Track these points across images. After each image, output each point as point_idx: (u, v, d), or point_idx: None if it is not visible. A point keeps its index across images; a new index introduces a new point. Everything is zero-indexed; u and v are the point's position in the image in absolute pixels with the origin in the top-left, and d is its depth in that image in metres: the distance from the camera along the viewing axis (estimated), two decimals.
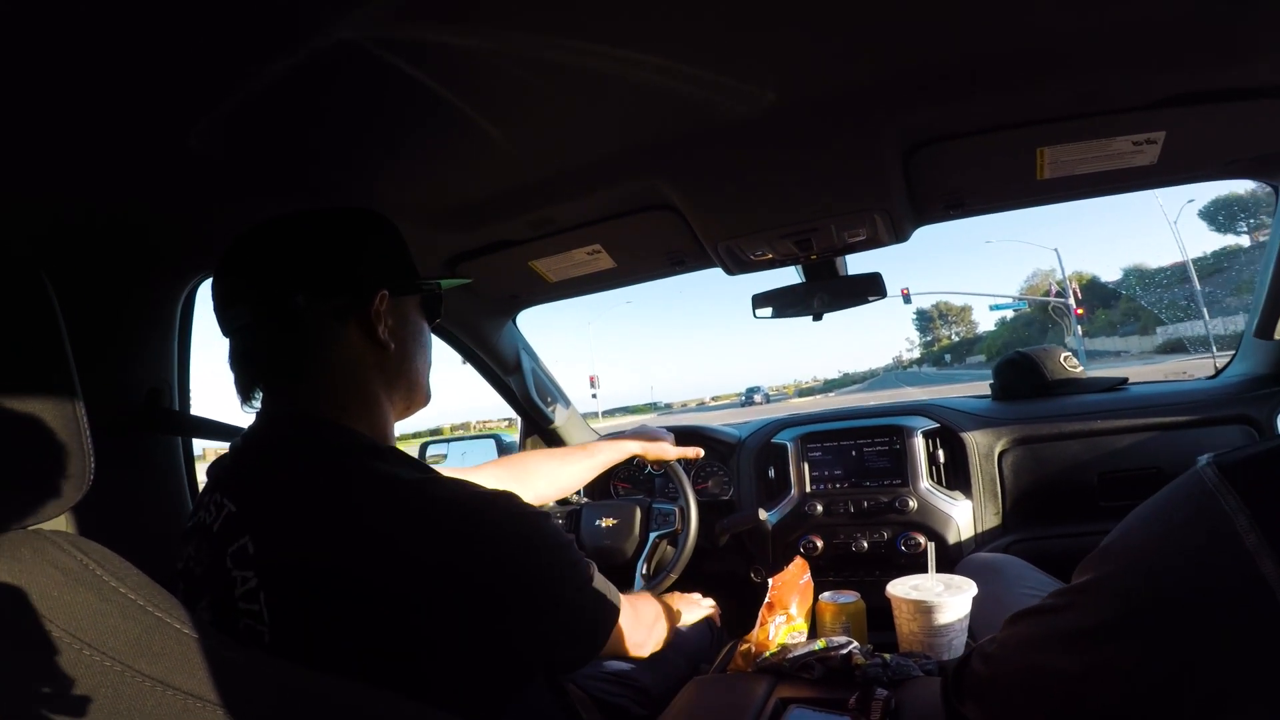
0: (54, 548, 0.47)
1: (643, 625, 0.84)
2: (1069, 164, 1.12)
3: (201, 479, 1.14)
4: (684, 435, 1.65)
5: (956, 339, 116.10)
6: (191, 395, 1.11)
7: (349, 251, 0.70)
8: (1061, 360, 1.70)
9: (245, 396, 0.69)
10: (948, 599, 1.04)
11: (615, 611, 0.69)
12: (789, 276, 1.47)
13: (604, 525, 1.54)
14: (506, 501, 0.62)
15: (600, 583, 0.69)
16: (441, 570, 0.56)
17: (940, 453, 1.56)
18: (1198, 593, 0.43)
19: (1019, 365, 1.72)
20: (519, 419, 1.96)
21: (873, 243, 1.29)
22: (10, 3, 0.51)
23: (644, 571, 1.46)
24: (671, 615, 0.97)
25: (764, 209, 1.19)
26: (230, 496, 0.62)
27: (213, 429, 1.08)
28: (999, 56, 0.81)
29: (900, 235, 1.28)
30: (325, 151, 0.88)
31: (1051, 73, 0.86)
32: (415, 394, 0.76)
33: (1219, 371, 1.66)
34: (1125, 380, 1.68)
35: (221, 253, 1.03)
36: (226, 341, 0.71)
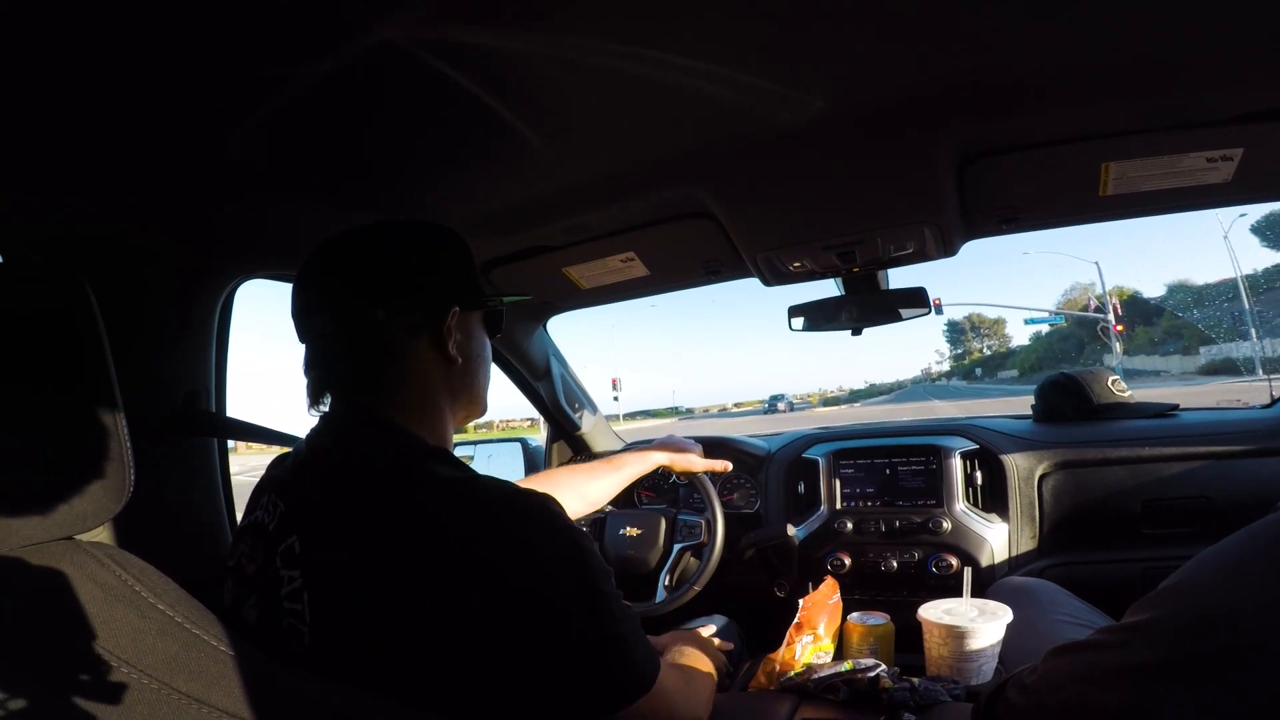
0: (94, 562, 0.48)
1: (701, 700, 0.80)
2: (1135, 180, 1.07)
3: (236, 481, 1.16)
4: (711, 446, 1.63)
5: (989, 352, 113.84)
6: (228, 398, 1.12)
7: (426, 268, 0.72)
8: (1109, 384, 1.64)
9: (314, 400, 0.71)
10: (982, 625, 1.02)
11: (656, 662, 0.65)
12: (828, 287, 1.44)
13: (628, 535, 1.52)
14: (554, 511, 0.61)
15: (646, 639, 0.66)
16: (483, 567, 0.55)
17: (978, 474, 1.51)
18: (1268, 641, 0.42)
19: (1064, 387, 1.66)
20: (543, 419, 1.95)
21: (919, 257, 1.26)
22: (48, 11, 0.52)
23: (666, 583, 1.44)
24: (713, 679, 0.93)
25: (808, 220, 1.16)
26: (284, 497, 0.63)
27: (251, 431, 1.08)
28: (1069, 68, 0.78)
29: (949, 249, 1.24)
30: (362, 155, 0.88)
31: (1125, 86, 0.82)
32: (475, 406, 0.78)
33: (1276, 400, 1.59)
34: (1176, 406, 1.61)
35: (258, 255, 1.04)
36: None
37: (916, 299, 1.34)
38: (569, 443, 1.97)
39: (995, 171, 1.05)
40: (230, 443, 1.18)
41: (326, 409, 0.70)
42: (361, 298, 0.68)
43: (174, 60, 0.62)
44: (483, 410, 0.79)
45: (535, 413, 1.93)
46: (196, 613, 0.49)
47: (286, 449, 0.75)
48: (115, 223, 0.91)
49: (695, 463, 1.34)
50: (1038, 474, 1.47)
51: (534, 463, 1.97)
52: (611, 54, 0.68)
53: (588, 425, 1.92)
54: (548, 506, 0.61)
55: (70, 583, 0.46)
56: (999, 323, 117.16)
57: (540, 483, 1.18)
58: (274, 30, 0.60)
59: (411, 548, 0.55)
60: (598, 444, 1.97)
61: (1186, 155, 1.01)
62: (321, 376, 0.70)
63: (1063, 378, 1.69)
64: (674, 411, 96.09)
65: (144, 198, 0.87)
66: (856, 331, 1.40)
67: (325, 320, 0.69)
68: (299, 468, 0.67)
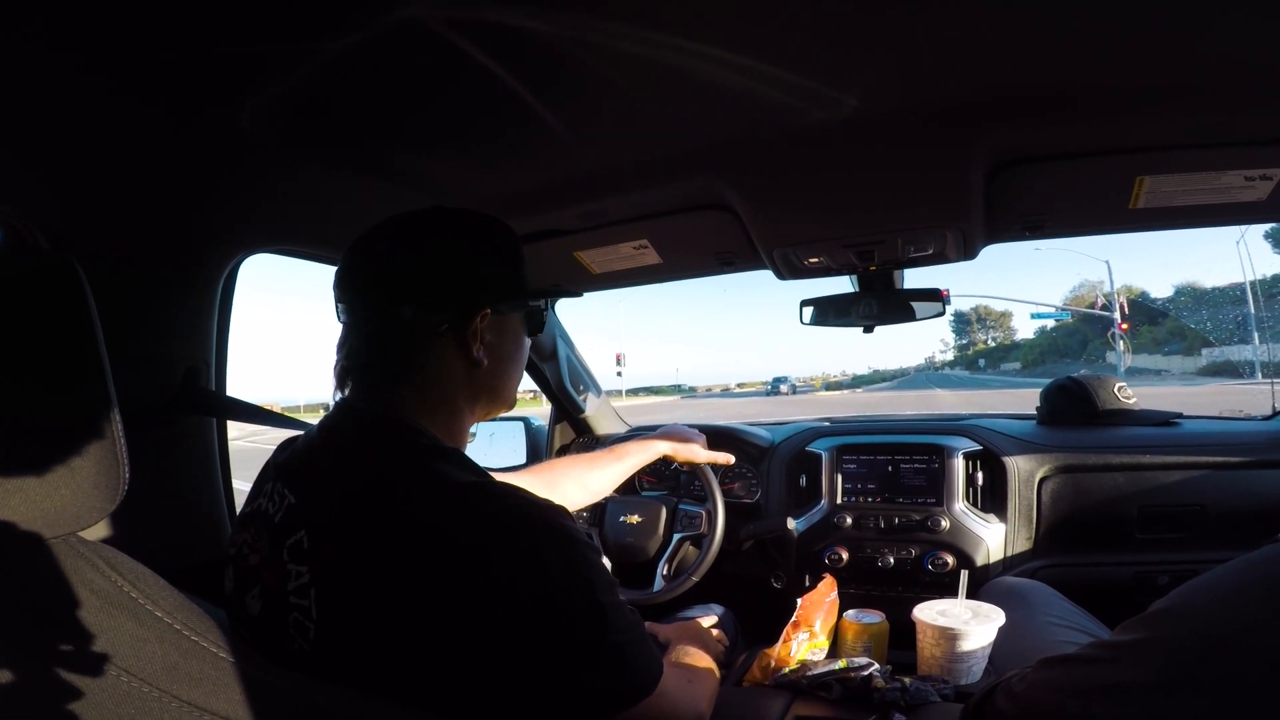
0: (89, 566, 0.47)
1: (703, 698, 0.81)
2: (1168, 194, 1.06)
3: (234, 446, 1.15)
4: (715, 437, 1.62)
5: (993, 344, 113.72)
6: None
7: (463, 267, 0.70)
8: (1115, 390, 1.64)
9: (340, 384, 0.70)
10: (974, 627, 1.04)
11: (659, 665, 0.66)
12: (841, 282, 1.43)
13: (628, 522, 1.53)
14: (564, 524, 0.60)
15: (649, 642, 0.66)
16: (494, 580, 0.55)
17: (979, 474, 1.52)
18: (1262, 665, 0.44)
19: (1070, 392, 1.66)
20: (543, 393, 1.94)
21: (938, 259, 1.25)
22: None
23: (665, 572, 1.46)
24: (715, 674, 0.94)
25: (829, 218, 1.16)
26: (292, 488, 0.62)
27: (253, 413, 1.07)
28: (1116, 81, 0.76)
29: (969, 253, 1.24)
30: (381, 131, 0.87)
31: (1170, 102, 0.81)
32: (497, 405, 0.77)
33: (1277, 412, 1.61)
34: (1179, 415, 1.63)
35: (266, 230, 1.02)
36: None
37: (931, 298, 1.33)
38: (572, 424, 1.97)
39: (1025, 179, 1.04)
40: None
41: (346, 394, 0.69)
42: (391, 292, 0.67)
43: (190, 35, 0.60)
44: (508, 407, 0.78)
45: (535, 385, 1.92)
46: (194, 618, 0.48)
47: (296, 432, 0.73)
48: (122, 195, 0.88)
49: (698, 454, 1.35)
50: (1038, 477, 1.48)
51: (536, 443, 1.96)
52: (643, 42, 0.67)
53: (591, 408, 1.92)
54: (559, 519, 0.60)
55: (65, 588, 0.45)
56: (1005, 315, 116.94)
57: (543, 472, 1.18)
58: (294, 7, 0.58)
59: (421, 557, 0.55)
60: (601, 427, 1.97)
61: (1224, 173, 0.99)
62: (346, 363, 0.69)
63: (1069, 382, 1.70)
64: (677, 389, 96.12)
65: (151, 170, 0.86)
66: (868, 329, 1.39)
67: (354, 308, 0.69)
68: (310, 458, 0.65)
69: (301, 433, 0.71)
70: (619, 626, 0.61)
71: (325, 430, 0.67)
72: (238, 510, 1.10)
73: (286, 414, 1.11)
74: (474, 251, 0.71)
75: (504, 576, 0.55)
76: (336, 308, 0.71)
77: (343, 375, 0.69)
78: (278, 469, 0.66)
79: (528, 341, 0.79)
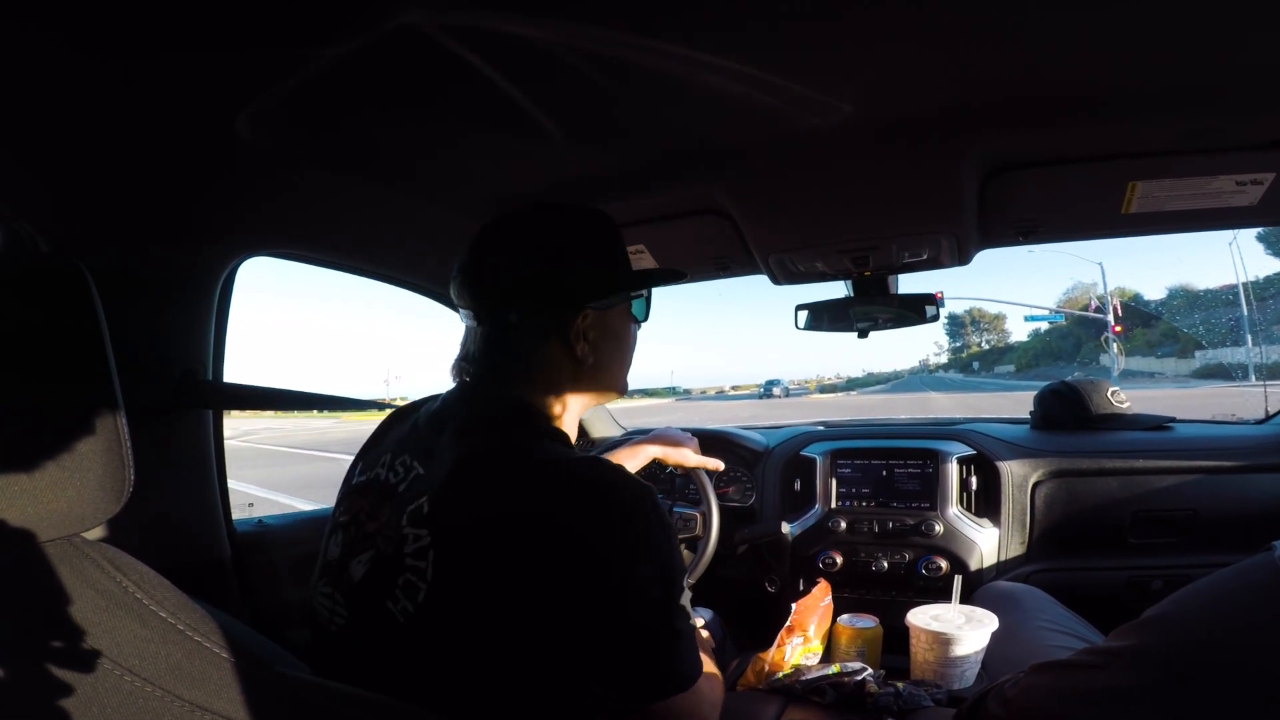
0: (93, 566, 0.47)
1: (719, 704, 0.83)
2: (1160, 199, 1.07)
3: (230, 446, 1.15)
4: (709, 440, 1.62)
5: (987, 347, 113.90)
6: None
7: (566, 270, 0.72)
8: (1108, 395, 1.65)
9: (458, 375, 0.75)
10: (968, 632, 1.05)
11: (700, 668, 0.68)
12: (835, 287, 1.43)
13: None
14: (658, 505, 0.63)
15: (695, 641, 0.69)
16: (579, 545, 0.58)
17: (973, 480, 1.52)
18: (1251, 673, 0.44)
19: (1064, 396, 1.66)
20: None
21: (933, 264, 1.26)
22: None
23: None
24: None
25: (824, 224, 1.16)
26: (419, 459, 0.67)
27: (256, 398, 1.07)
28: (1109, 87, 0.77)
29: (964, 258, 1.24)
30: (377, 136, 0.87)
31: (1161, 108, 0.82)
32: (608, 394, 0.80)
33: (1269, 416, 1.61)
34: (1172, 419, 1.63)
35: (263, 233, 1.02)
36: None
37: (926, 304, 1.33)
38: None
39: (1019, 184, 1.05)
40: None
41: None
42: (498, 300, 0.71)
43: (189, 40, 0.61)
44: (619, 394, 0.82)
45: None
46: (197, 618, 0.49)
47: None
48: (120, 197, 0.89)
49: (688, 458, 1.34)
50: (1031, 481, 1.49)
51: None
52: (640, 49, 0.68)
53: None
54: (653, 499, 0.63)
55: (70, 588, 0.45)
56: (999, 318, 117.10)
57: None
58: (293, 14, 0.59)
59: (529, 523, 0.59)
60: (596, 429, 1.98)
61: (1216, 178, 1.00)
62: (464, 362, 0.74)
63: (1063, 386, 1.70)
64: (671, 391, 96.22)
65: (149, 173, 0.86)
66: (863, 334, 1.39)
67: (470, 314, 0.73)
68: (433, 431, 0.69)
69: (411, 404, 0.77)
70: (683, 614, 0.64)
71: (449, 406, 0.71)
72: (233, 510, 1.11)
73: (298, 392, 1.11)
74: (572, 253, 0.73)
75: (597, 548, 0.59)
76: (459, 313, 0.76)
77: (460, 371, 0.74)
78: (400, 442, 0.71)
79: (635, 328, 0.82)
